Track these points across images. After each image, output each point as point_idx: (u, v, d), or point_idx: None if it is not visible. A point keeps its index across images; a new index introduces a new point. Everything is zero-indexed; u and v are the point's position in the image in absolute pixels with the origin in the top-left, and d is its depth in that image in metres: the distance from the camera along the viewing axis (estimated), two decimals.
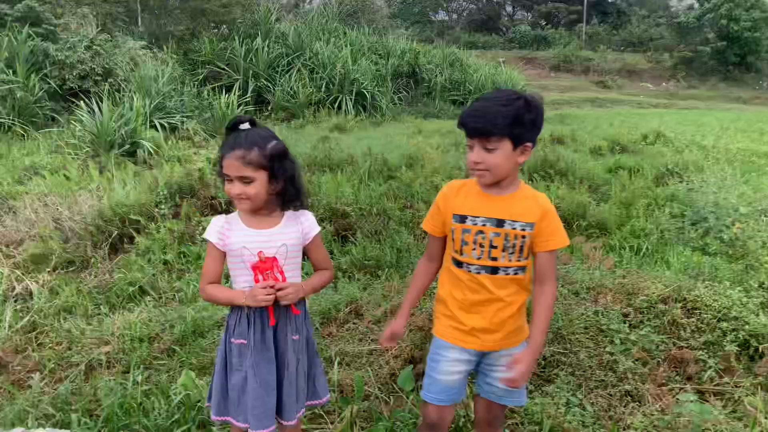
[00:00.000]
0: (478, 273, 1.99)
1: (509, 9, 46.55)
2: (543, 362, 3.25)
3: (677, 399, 2.90)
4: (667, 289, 3.75)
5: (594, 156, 10.02)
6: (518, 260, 1.99)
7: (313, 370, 2.20)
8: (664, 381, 3.18)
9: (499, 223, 1.95)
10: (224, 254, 2.06)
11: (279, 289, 1.99)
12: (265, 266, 2.02)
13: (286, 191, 2.05)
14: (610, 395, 3.06)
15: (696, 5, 35.56)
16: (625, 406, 2.99)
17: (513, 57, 32.73)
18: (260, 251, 2.01)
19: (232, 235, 2.03)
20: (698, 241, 4.59)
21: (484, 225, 1.96)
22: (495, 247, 1.96)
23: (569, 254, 4.59)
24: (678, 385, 3.13)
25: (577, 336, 3.39)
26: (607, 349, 3.31)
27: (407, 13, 42.51)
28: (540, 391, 3.07)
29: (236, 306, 2.05)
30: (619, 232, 5.81)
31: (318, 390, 2.22)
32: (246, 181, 1.96)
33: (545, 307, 1.97)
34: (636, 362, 3.24)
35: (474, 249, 1.98)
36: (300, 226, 2.12)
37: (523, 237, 1.96)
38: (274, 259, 2.03)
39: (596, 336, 3.42)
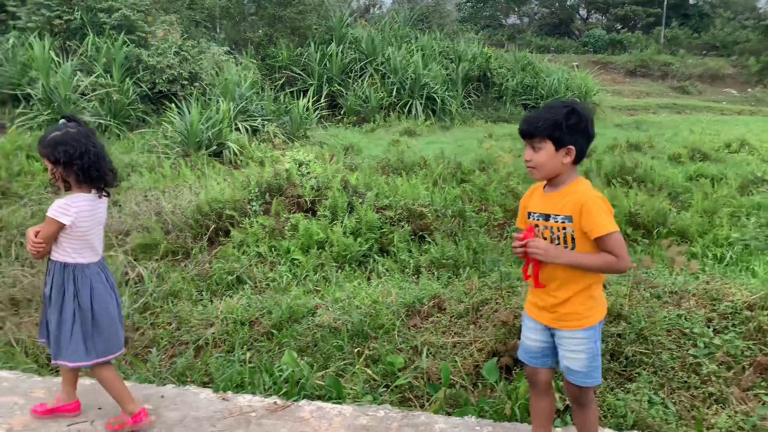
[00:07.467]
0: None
1: (583, 12, 45.48)
2: (625, 361, 3.33)
3: (763, 402, 2.92)
4: (753, 296, 3.73)
5: (673, 163, 9.80)
6: (565, 249, 2.20)
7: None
8: (749, 386, 3.20)
9: (546, 217, 2.25)
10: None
11: None
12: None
13: (71, 174, 2.42)
14: (693, 396, 3.12)
15: None
16: (708, 407, 3.04)
17: (587, 61, 31.96)
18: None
19: None
20: None
21: (537, 219, 2.28)
22: (545, 238, 2.25)
23: (650, 258, 4.61)
24: (764, 391, 3.14)
25: (659, 338, 3.44)
26: (690, 351, 3.35)
27: (478, 17, 42.34)
28: (622, 388, 3.16)
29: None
30: (701, 240, 5.75)
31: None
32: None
33: (599, 256, 2.14)
34: (720, 366, 3.27)
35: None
36: None
37: (565, 228, 2.19)
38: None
39: (679, 339, 3.47)
